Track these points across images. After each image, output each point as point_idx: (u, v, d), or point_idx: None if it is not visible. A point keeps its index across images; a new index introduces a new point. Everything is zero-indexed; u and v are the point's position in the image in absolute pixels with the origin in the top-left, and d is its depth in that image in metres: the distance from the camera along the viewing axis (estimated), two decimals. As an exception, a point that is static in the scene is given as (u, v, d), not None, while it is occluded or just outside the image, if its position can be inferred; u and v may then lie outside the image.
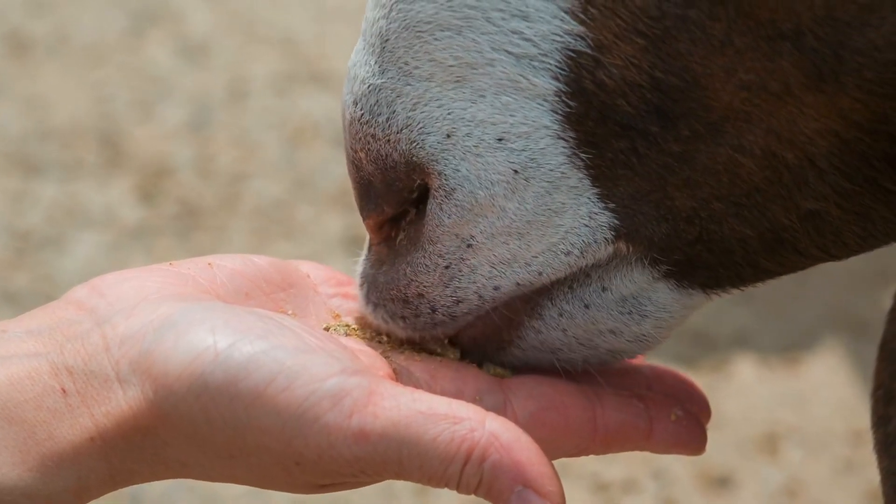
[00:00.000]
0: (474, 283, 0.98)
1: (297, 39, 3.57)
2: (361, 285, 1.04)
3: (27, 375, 0.93)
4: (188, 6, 3.71)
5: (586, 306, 0.99)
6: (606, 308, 0.99)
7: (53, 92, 3.37)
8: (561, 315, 0.99)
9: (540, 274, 0.97)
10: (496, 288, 0.98)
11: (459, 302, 0.99)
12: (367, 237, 1.05)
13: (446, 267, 0.97)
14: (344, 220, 2.94)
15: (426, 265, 0.98)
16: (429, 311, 1.00)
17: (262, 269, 1.06)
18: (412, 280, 0.99)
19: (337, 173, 3.09)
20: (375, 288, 1.02)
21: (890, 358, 0.94)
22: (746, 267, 0.97)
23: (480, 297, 0.98)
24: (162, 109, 3.31)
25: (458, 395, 0.98)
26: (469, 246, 0.97)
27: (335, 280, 1.11)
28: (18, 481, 0.91)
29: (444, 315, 1.00)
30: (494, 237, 0.96)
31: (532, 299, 1.00)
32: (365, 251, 1.05)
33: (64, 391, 0.93)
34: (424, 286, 0.99)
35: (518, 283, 0.97)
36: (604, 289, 0.98)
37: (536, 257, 0.96)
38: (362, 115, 0.97)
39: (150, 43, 3.56)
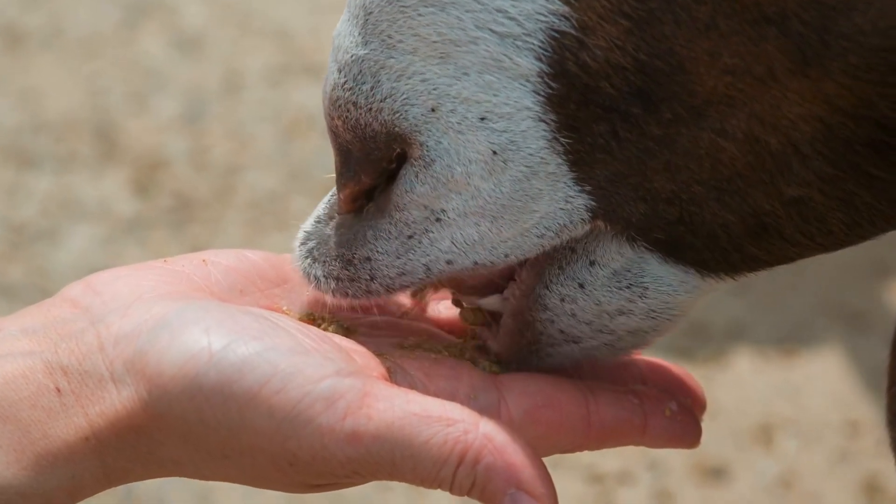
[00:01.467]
0: (427, 255, 0.97)
1: (292, 32, 3.57)
2: (306, 240, 1.03)
3: (21, 374, 0.93)
4: (182, -2, 3.71)
5: (581, 285, 0.99)
6: (602, 284, 0.98)
7: (47, 85, 3.36)
8: (563, 300, 0.99)
9: (506, 256, 0.97)
10: (449, 262, 0.97)
11: (403, 274, 0.98)
12: (327, 198, 1.05)
13: (409, 237, 0.97)
14: (339, 213, 2.94)
15: (389, 231, 0.97)
16: (367, 277, 0.99)
17: (256, 265, 1.06)
18: (368, 243, 0.98)
19: (331, 165, 3.08)
20: (324, 244, 1.01)
21: None
22: (734, 252, 0.96)
23: (428, 269, 0.97)
24: (156, 102, 3.31)
25: (452, 393, 0.98)
26: (438, 220, 0.96)
27: (330, 274, 1.11)
28: (13, 480, 0.91)
29: (380, 285, 0.99)
30: (466, 216, 0.95)
31: (530, 294, 0.99)
32: (320, 211, 1.04)
33: (58, 390, 0.93)
34: (377, 252, 0.98)
35: (476, 262, 0.97)
36: (592, 263, 0.98)
37: (505, 242, 0.96)
38: (345, 82, 0.96)
39: (144, 35, 3.56)
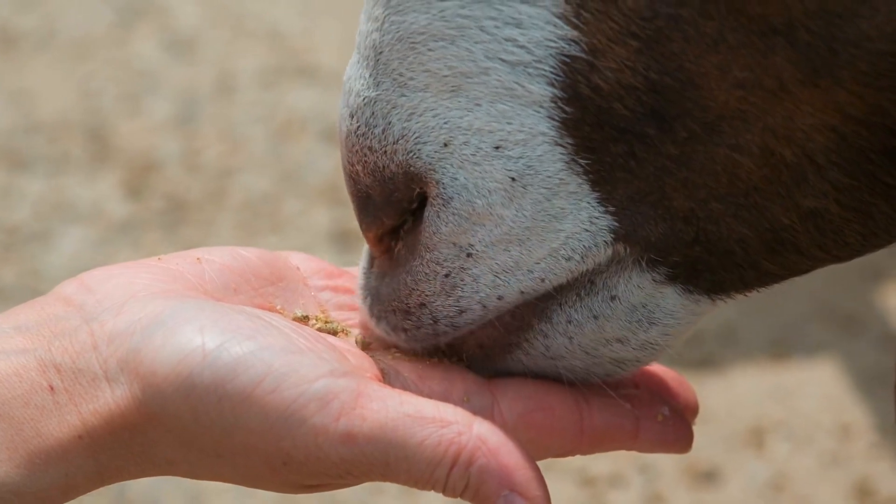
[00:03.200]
0: (477, 292, 0.97)
1: (285, 33, 3.56)
2: (364, 298, 1.03)
3: (15, 372, 0.93)
4: (175, 0, 3.71)
5: (595, 317, 0.98)
6: (616, 318, 0.98)
7: (40, 86, 3.36)
8: (569, 322, 0.99)
9: (542, 280, 0.97)
10: (500, 297, 0.97)
11: (462, 312, 0.98)
12: (365, 248, 1.05)
13: (446, 275, 0.97)
14: (331, 214, 2.94)
15: (425, 273, 0.97)
16: (430, 321, 0.99)
17: (250, 263, 1.06)
18: (413, 289, 0.98)
19: (324, 167, 3.09)
20: (378, 300, 1.01)
21: None
22: (748, 269, 0.96)
23: (484, 307, 0.97)
24: (149, 104, 3.31)
25: (445, 396, 0.98)
26: (469, 255, 0.96)
27: (325, 272, 1.11)
28: (6, 478, 0.91)
29: (446, 325, 0.99)
30: (494, 245, 0.95)
31: (539, 306, 0.99)
32: (363, 263, 1.05)
33: (52, 388, 0.93)
34: (426, 295, 0.98)
35: (522, 292, 0.97)
36: (612, 298, 0.98)
37: (538, 263, 0.96)
38: (358, 127, 0.97)
39: (137, 37, 3.56)
